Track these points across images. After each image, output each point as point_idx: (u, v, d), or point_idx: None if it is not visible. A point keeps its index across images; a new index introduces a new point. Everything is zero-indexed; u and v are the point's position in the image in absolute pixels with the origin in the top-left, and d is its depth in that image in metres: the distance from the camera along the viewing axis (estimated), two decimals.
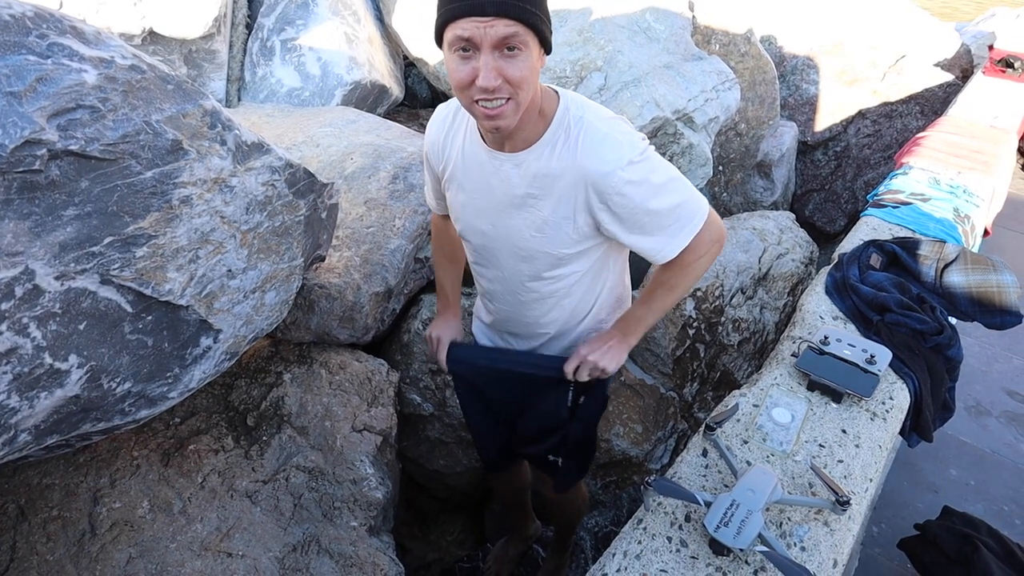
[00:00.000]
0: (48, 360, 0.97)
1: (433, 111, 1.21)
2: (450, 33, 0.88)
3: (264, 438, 1.52)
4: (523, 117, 0.96)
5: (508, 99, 0.90)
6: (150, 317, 1.11)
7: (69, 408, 1.05)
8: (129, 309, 1.07)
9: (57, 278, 0.95)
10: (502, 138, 1.01)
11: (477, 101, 0.91)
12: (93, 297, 1.01)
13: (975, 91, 3.46)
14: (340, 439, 1.55)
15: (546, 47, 0.94)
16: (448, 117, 1.14)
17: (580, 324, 1.27)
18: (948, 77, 3.84)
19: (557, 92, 1.04)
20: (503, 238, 1.13)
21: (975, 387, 2.56)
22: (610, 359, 1.18)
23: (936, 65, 4.10)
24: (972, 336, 2.74)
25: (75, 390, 1.03)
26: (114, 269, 1.02)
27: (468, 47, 0.88)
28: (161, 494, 1.37)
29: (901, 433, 1.58)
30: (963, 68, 4.31)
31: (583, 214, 1.04)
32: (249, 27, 2.50)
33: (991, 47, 4.16)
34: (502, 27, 0.85)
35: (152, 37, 2.05)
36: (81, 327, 1.01)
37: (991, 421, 2.42)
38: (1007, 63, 3.73)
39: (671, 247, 1.08)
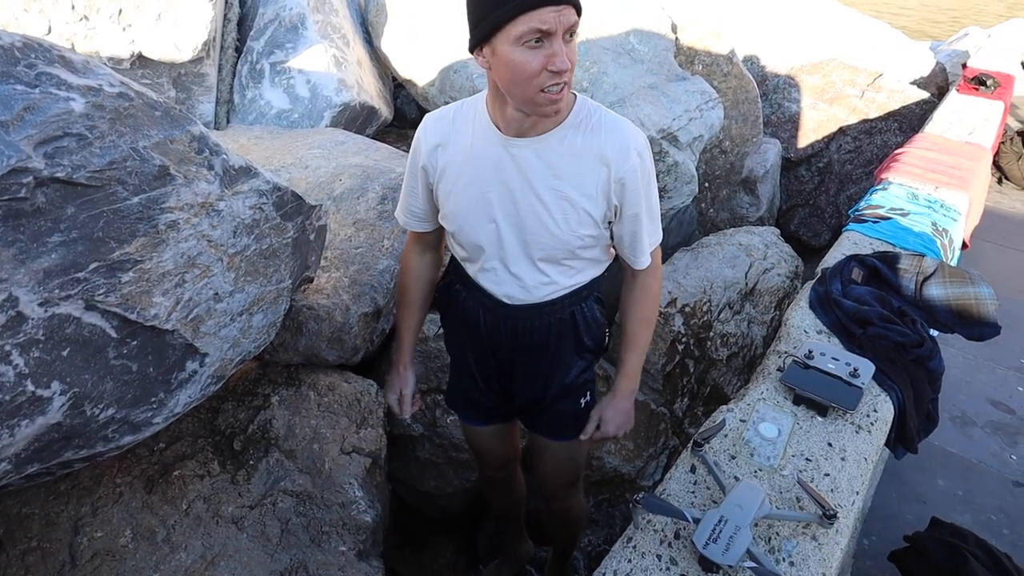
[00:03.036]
0: (30, 387, 0.96)
1: None
2: (523, 26, 0.91)
3: (251, 462, 1.50)
4: None
5: (566, 84, 0.98)
6: (135, 342, 1.11)
7: (51, 436, 1.04)
8: (114, 334, 1.07)
9: (41, 304, 0.95)
10: (525, 125, 1.06)
11: (544, 89, 0.96)
12: (77, 323, 1.01)
13: (950, 108, 3.56)
14: (329, 462, 1.54)
15: None
16: (447, 120, 1.15)
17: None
18: (924, 94, 3.94)
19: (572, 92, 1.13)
20: (518, 228, 1.13)
21: (959, 397, 2.59)
22: (628, 425, 1.35)
23: (912, 83, 4.21)
24: (955, 347, 2.77)
25: (57, 417, 1.02)
26: (99, 295, 1.02)
27: (542, 37, 0.92)
28: (144, 522, 1.35)
29: (887, 445, 1.60)
30: (939, 86, 4.43)
31: (602, 194, 1.11)
32: (238, 50, 2.52)
33: (965, 65, 4.29)
34: (570, 14, 0.93)
35: (141, 61, 2.06)
36: (64, 353, 1.00)
37: (976, 431, 2.44)
38: (980, 81, 3.84)
39: (646, 244, 1.20)
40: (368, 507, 1.51)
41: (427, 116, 1.19)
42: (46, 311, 0.96)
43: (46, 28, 1.89)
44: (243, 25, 2.55)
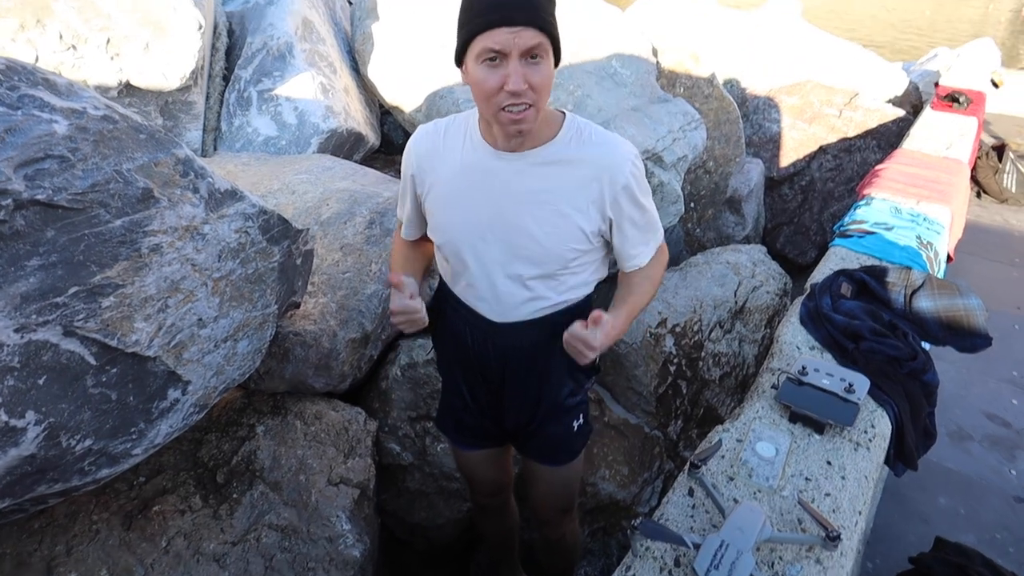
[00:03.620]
0: (3, 417, 0.92)
1: None
2: (479, 45, 0.95)
3: (234, 495, 1.45)
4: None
5: (530, 105, 0.98)
6: (115, 369, 1.07)
7: (24, 468, 0.99)
8: (93, 362, 1.03)
9: (17, 330, 0.92)
10: (517, 141, 1.06)
11: (503, 108, 0.97)
12: (55, 350, 0.97)
13: (926, 125, 3.64)
14: (315, 494, 1.49)
15: (557, 58, 1.02)
16: (438, 134, 1.16)
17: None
18: (900, 112, 4.04)
19: (561, 111, 1.15)
20: (507, 241, 1.13)
21: (955, 412, 2.58)
22: (603, 345, 1.10)
23: (888, 101, 4.33)
24: (947, 361, 2.78)
25: (31, 449, 0.98)
26: (78, 320, 0.99)
27: (496, 56, 0.94)
28: (121, 561, 1.28)
29: (886, 462, 1.58)
30: (913, 104, 4.55)
31: (596, 208, 1.11)
32: (226, 79, 2.53)
33: (937, 84, 4.42)
34: (529, 36, 0.93)
35: (128, 89, 2.06)
36: (40, 382, 0.97)
37: (974, 446, 2.43)
38: (953, 98, 3.95)
39: (651, 244, 1.21)
40: (356, 540, 1.46)
41: (420, 128, 1.20)
42: (22, 337, 0.92)
43: (33, 57, 1.88)
44: (231, 54, 2.57)
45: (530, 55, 0.95)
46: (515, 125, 0.99)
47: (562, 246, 1.12)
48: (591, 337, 1.06)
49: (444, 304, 1.30)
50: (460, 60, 1.01)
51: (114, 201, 1.01)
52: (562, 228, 1.11)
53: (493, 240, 1.13)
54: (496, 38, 0.93)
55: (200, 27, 2.10)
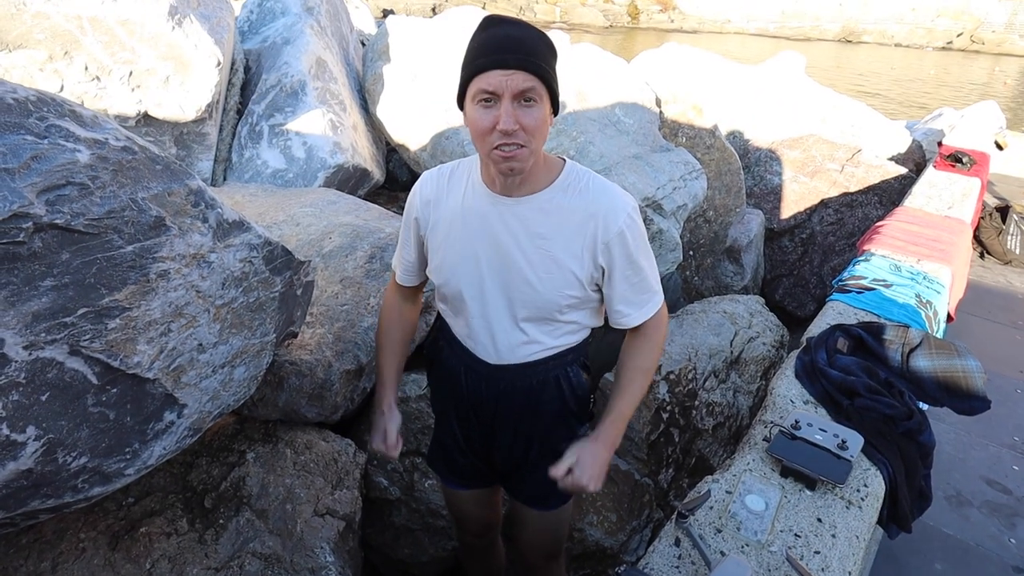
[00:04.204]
0: (5, 432, 0.95)
1: None
2: (475, 87, 1.00)
3: (221, 521, 1.45)
4: (534, 165, 1.07)
5: (522, 146, 1.01)
6: (115, 389, 1.10)
7: (20, 483, 1.01)
8: (95, 381, 1.06)
9: (26, 347, 0.95)
10: (513, 185, 1.10)
11: (496, 147, 1.01)
12: (60, 368, 1.00)
13: (928, 184, 3.68)
14: (301, 524, 1.49)
15: (555, 106, 1.06)
16: (444, 178, 1.21)
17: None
18: (902, 170, 4.10)
19: (562, 158, 1.18)
20: (503, 285, 1.15)
21: (953, 475, 2.54)
22: (601, 478, 1.17)
23: (890, 159, 4.40)
24: (947, 423, 2.75)
25: (28, 464, 0.99)
26: (84, 340, 1.02)
27: (490, 98, 0.99)
28: None
29: (879, 523, 1.55)
30: (916, 162, 4.63)
31: (589, 254, 1.12)
32: (240, 112, 2.64)
33: (940, 143, 4.50)
34: (521, 79, 0.98)
35: (145, 119, 2.15)
36: (43, 398, 0.99)
37: (972, 512, 2.38)
38: (956, 158, 4.01)
39: (646, 308, 1.19)
40: (339, 573, 1.44)
41: (425, 173, 1.25)
42: (30, 354, 0.95)
43: (58, 87, 1.97)
44: (246, 89, 2.69)
45: (523, 98, 0.99)
46: (507, 163, 1.02)
47: (556, 292, 1.14)
48: (578, 480, 1.13)
49: (442, 342, 1.33)
50: (461, 102, 1.07)
51: (127, 228, 1.06)
52: (556, 274, 1.13)
53: (490, 283, 1.16)
54: (490, 80, 0.98)
55: (219, 63, 2.20)
